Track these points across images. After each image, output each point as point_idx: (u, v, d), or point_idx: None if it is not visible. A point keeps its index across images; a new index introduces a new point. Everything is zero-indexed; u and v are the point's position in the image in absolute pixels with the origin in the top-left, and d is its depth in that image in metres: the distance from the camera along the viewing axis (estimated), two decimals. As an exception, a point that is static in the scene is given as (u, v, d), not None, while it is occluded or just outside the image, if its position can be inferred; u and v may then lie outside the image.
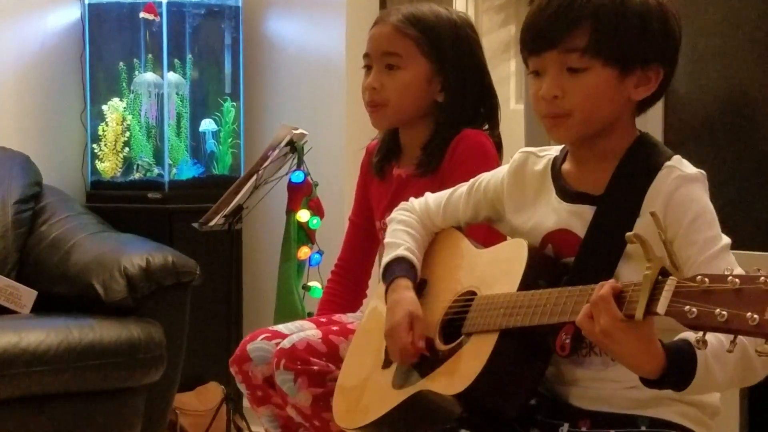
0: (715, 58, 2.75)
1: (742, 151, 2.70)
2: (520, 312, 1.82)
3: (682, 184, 1.83)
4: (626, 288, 1.63)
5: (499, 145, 2.59)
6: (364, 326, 2.30)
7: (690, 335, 1.66)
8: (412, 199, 2.23)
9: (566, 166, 1.97)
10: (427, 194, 2.22)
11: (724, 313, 1.47)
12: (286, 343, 2.44)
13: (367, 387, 2.15)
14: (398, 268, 2.09)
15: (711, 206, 1.84)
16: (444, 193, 2.18)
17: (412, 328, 2.00)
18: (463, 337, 1.94)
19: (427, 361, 1.99)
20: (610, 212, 1.87)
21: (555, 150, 2.02)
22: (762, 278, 1.45)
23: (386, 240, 2.16)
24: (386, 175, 2.63)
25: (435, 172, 2.50)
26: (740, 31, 2.71)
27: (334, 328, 2.52)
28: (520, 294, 1.85)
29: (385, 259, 2.12)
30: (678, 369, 1.66)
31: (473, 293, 1.98)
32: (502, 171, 2.08)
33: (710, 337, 1.61)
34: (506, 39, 5.75)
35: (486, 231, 2.17)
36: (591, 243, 1.87)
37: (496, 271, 1.97)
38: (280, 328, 2.57)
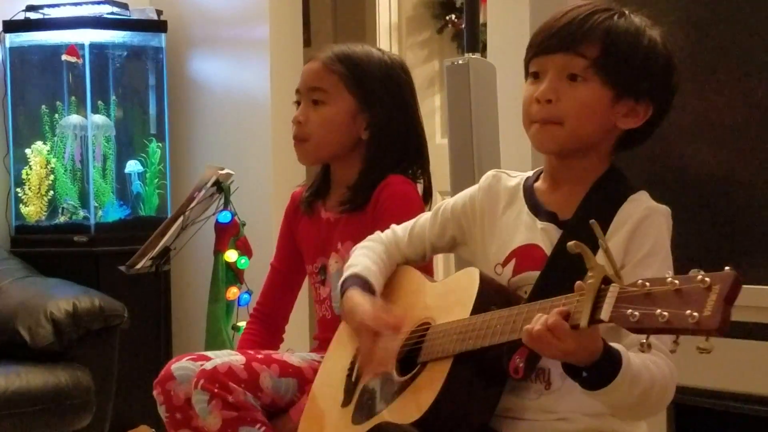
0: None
1: (665, 177, 2.73)
2: (472, 335, 1.84)
3: (651, 215, 1.88)
4: (570, 300, 1.65)
5: (429, 188, 2.61)
6: (326, 365, 2.30)
7: (622, 347, 1.69)
8: (378, 231, 2.25)
9: (539, 184, 2.01)
10: (393, 225, 2.24)
11: (665, 313, 1.49)
12: (208, 365, 2.44)
13: (327, 426, 2.16)
14: (350, 282, 2.10)
15: (668, 245, 1.88)
16: (409, 222, 2.21)
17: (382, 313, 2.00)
18: (419, 366, 1.95)
19: (386, 394, 1.99)
20: (576, 238, 1.88)
21: (527, 172, 2.06)
22: (699, 277, 1.48)
23: (347, 264, 2.18)
24: (314, 214, 2.64)
25: (360, 212, 2.51)
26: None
27: (259, 356, 2.52)
28: (473, 318, 1.87)
29: (342, 278, 2.14)
30: (598, 371, 1.68)
31: (428, 324, 1.99)
32: (470, 190, 2.10)
33: (635, 358, 1.66)
34: (430, 74, 5.78)
35: (428, 266, 2.20)
36: (553, 268, 1.89)
37: (450, 301, 1.98)
38: (208, 353, 2.57)
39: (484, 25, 3.60)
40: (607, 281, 1.60)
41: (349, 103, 2.55)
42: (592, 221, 1.70)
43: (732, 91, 2.61)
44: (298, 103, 2.61)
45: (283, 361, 2.48)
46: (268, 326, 2.72)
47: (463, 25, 3.51)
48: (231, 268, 3.93)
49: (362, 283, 2.09)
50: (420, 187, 2.59)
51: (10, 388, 3.78)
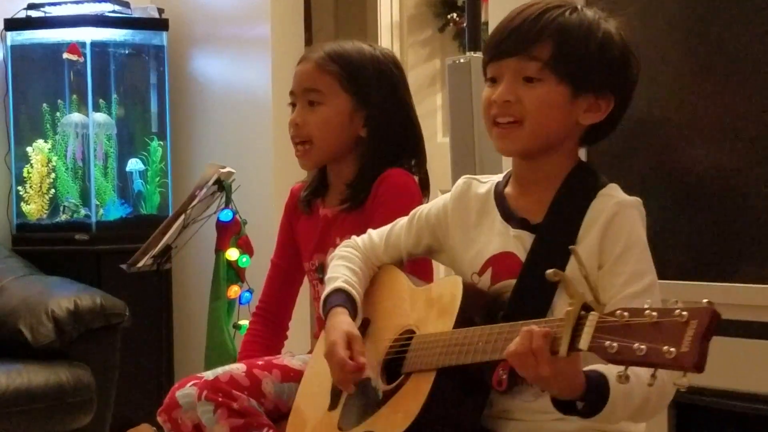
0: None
1: (664, 177, 2.73)
2: (455, 350, 1.83)
3: (621, 210, 1.85)
4: (551, 325, 1.64)
5: (426, 182, 2.60)
6: (312, 368, 2.30)
7: (602, 367, 1.68)
8: (354, 236, 2.24)
9: (508, 189, 1.99)
10: (370, 230, 2.23)
11: (642, 347, 1.47)
12: (209, 375, 2.44)
13: (313, 429, 2.15)
14: (335, 298, 2.08)
15: (644, 237, 1.86)
16: (386, 228, 2.19)
17: (349, 347, 1.98)
18: (403, 376, 1.94)
19: (371, 402, 1.99)
20: (548, 242, 1.89)
21: (497, 177, 2.04)
22: (677, 311, 1.46)
23: (327, 276, 2.17)
24: (313, 212, 2.63)
25: (359, 209, 2.50)
26: (656, 57, 2.76)
27: (259, 362, 2.51)
28: (455, 332, 1.86)
29: (324, 293, 2.12)
30: (590, 402, 1.68)
31: (412, 332, 1.99)
32: (443, 199, 2.09)
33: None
34: (432, 73, 5.78)
35: (427, 266, 2.19)
36: (529, 273, 1.88)
37: (433, 310, 1.97)
38: (209, 374, 2.56)
39: (486, 23, 3.60)
40: (587, 308, 1.58)
41: (346, 102, 2.54)
42: (572, 247, 1.69)
43: (732, 90, 2.62)
44: (293, 105, 2.60)
45: (284, 365, 2.48)
46: (272, 324, 2.72)
47: (465, 24, 3.52)
48: (232, 266, 3.93)
49: (346, 299, 2.07)
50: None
51: (12, 386, 3.78)
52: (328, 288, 2.11)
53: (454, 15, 5.63)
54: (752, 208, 2.56)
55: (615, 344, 1.51)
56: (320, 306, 2.13)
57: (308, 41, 5.10)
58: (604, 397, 1.68)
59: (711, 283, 2.59)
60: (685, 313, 1.45)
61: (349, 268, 2.14)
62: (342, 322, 2.03)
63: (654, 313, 1.48)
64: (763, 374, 2.54)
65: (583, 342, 1.56)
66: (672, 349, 1.44)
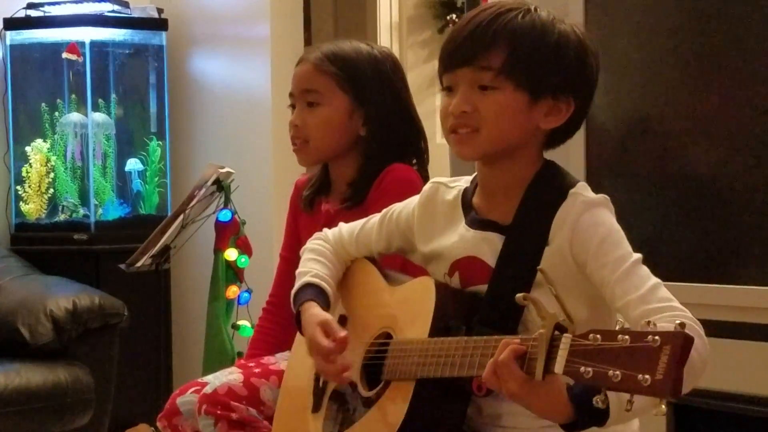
0: (632, 86, 2.79)
1: (662, 178, 2.74)
2: (431, 362, 1.81)
3: (586, 210, 1.82)
4: (525, 343, 1.61)
5: (426, 180, 2.60)
6: (292, 366, 2.29)
7: None
8: (325, 229, 2.22)
9: (476, 198, 1.96)
10: (341, 224, 2.20)
11: (617, 373, 1.45)
12: (208, 389, 2.44)
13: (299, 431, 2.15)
14: (305, 293, 2.06)
15: (617, 226, 1.83)
16: (357, 223, 2.17)
17: (327, 334, 1.96)
18: (383, 383, 1.93)
19: (353, 408, 1.98)
20: (519, 242, 1.86)
21: (465, 181, 2.01)
22: (649, 336, 1.44)
23: (297, 271, 2.15)
24: (315, 209, 2.63)
25: (361, 205, 2.51)
26: (654, 59, 2.76)
27: (256, 370, 2.51)
28: (431, 342, 1.84)
29: (293, 289, 2.11)
30: (590, 414, 1.63)
31: (389, 334, 1.97)
32: (413, 201, 2.07)
33: None
34: (431, 74, 5.79)
35: (401, 262, 2.18)
36: (502, 273, 1.86)
37: (408, 313, 1.96)
38: (209, 379, 2.56)
39: (485, 24, 3.60)
40: (560, 328, 1.56)
41: (344, 102, 2.54)
42: (539, 267, 1.68)
43: (731, 92, 2.62)
44: (293, 106, 2.60)
45: (281, 370, 2.47)
46: (280, 319, 2.70)
47: (464, 25, 3.50)
48: (231, 266, 3.93)
49: (316, 293, 2.05)
50: None
51: (10, 386, 3.78)
52: (297, 284, 2.09)
53: (454, 16, 5.63)
54: (751, 210, 2.56)
55: (590, 369, 1.49)
56: (291, 303, 2.11)
57: (308, 41, 5.11)
58: (604, 407, 1.62)
59: (710, 285, 2.59)
60: (657, 338, 1.43)
61: (318, 261, 2.12)
62: (313, 315, 2.01)
63: (626, 337, 1.46)
64: (761, 376, 2.55)
65: (558, 366, 1.54)
66: (647, 377, 1.42)
